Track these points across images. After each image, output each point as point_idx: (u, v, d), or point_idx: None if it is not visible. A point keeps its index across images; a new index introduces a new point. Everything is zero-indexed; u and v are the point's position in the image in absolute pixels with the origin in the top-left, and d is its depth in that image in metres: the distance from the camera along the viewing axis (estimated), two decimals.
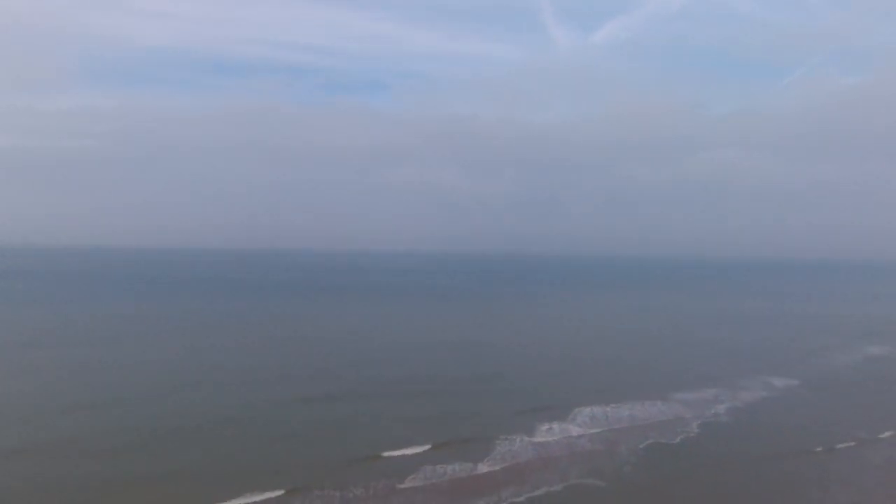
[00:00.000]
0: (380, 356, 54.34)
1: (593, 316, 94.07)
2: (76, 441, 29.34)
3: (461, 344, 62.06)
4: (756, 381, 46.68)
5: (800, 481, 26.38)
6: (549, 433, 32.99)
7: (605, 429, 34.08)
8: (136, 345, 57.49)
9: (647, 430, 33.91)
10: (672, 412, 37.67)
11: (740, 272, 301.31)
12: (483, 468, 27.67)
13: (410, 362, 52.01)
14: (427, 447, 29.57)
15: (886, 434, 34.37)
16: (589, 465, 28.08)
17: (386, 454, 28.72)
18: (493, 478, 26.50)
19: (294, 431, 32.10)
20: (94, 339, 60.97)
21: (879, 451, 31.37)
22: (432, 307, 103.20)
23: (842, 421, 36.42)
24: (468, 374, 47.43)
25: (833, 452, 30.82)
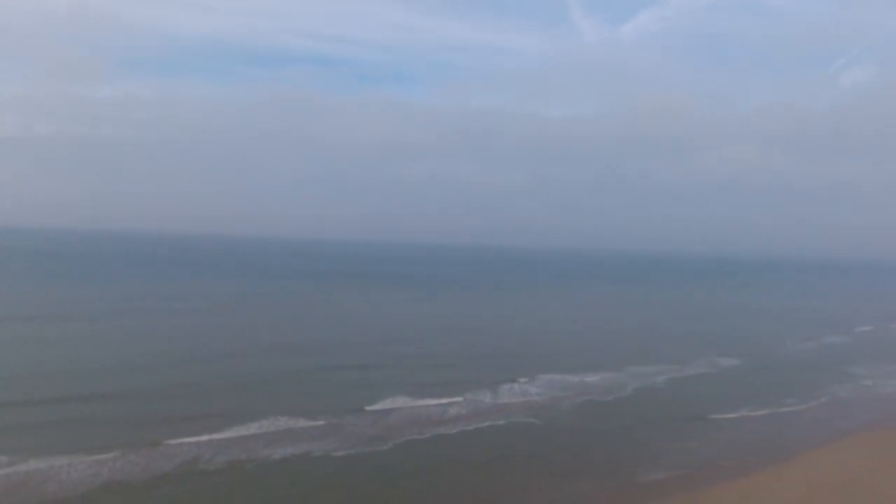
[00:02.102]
0: (391, 336, 62.13)
1: (584, 305, 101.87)
2: (142, 392, 37.98)
3: (463, 328, 70.36)
4: (704, 361, 54.31)
5: (681, 438, 33.69)
6: (509, 392, 41.36)
7: (556, 389, 42.31)
8: (184, 318, 67.31)
9: (590, 392, 42.10)
10: (618, 380, 45.68)
11: (745, 268, 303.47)
12: (451, 412, 36.22)
13: (417, 342, 59.64)
14: (414, 401, 37.93)
15: (790, 401, 41.96)
16: (531, 411, 36.55)
17: (378, 405, 36.94)
18: (456, 417, 35.09)
19: (317, 389, 40.09)
20: (145, 311, 70.98)
21: (775, 419, 38.62)
22: (444, 295, 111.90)
23: (757, 394, 43.81)
24: (462, 352, 55.24)
25: (732, 419, 37.82)
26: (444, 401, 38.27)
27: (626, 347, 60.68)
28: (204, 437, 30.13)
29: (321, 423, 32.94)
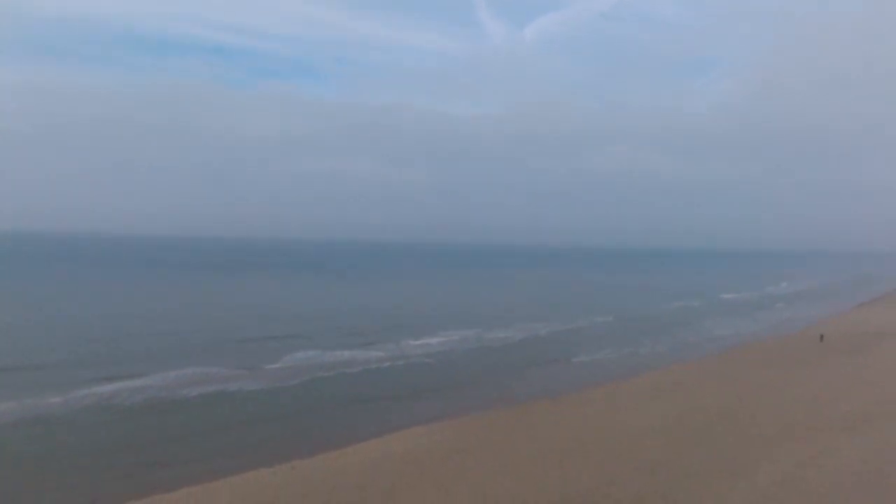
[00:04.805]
0: (301, 315, 62.69)
1: (488, 285, 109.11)
2: (60, 362, 39.00)
3: (370, 307, 74.35)
4: (583, 319, 61.80)
5: (552, 369, 39.68)
6: (412, 344, 45.75)
7: (455, 342, 47.29)
8: (98, 307, 65.93)
9: (483, 342, 47.58)
10: (509, 333, 51.53)
11: (632, 257, 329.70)
12: (357, 359, 40.07)
13: (327, 318, 60.80)
14: (324, 353, 41.15)
15: (646, 343, 49.62)
16: (430, 356, 41.41)
17: (290, 357, 39.84)
18: (362, 362, 39.11)
19: (232, 352, 42.07)
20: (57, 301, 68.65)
21: (632, 356, 45.88)
22: (344, 282, 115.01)
23: (622, 340, 51.21)
24: (370, 323, 57.69)
25: (598, 357, 44.30)
26: (353, 352, 42.14)
27: (519, 312, 67.17)
28: (121, 384, 32.03)
29: (236, 370, 35.73)
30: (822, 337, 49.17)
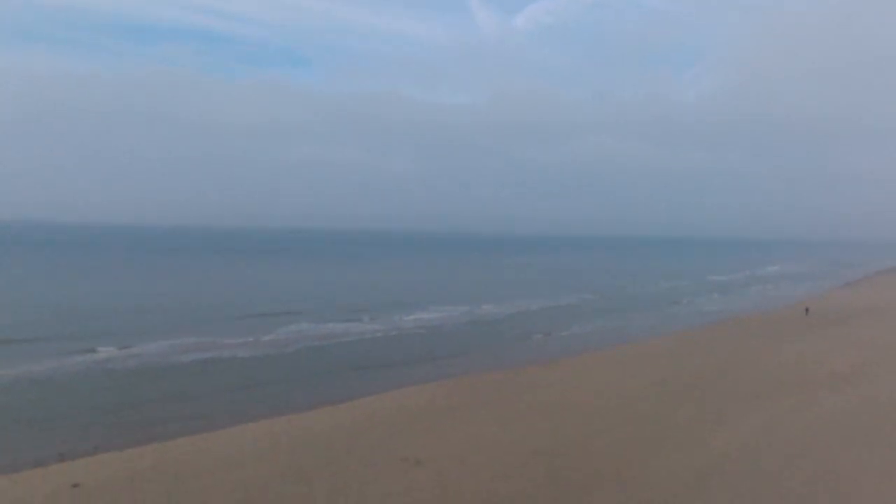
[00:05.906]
0: (294, 295, 63.43)
1: (482, 270, 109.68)
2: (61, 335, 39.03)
3: (360, 286, 74.62)
4: (573, 297, 62.53)
5: (546, 338, 40.62)
6: (406, 317, 46.26)
7: (448, 316, 47.86)
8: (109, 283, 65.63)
9: (474, 316, 48.12)
10: (500, 309, 52.11)
11: (618, 246, 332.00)
12: (352, 330, 40.53)
13: (319, 297, 61.33)
14: (320, 325, 41.64)
15: (636, 317, 50.36)
16: (423, 328, 41.90)
17: (286, 329, 40.27)
18: (357, 333, 39.53)
19: (230, 324, 42.22)
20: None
21: (623, 327, 46.61)
22: (336, 266, 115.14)
23: (612, 314, 51.97)
24: (362, 299, 59.01)
25: (588, 329, 45.23)
26: (347, 324, 42.54)
27: (508, 292, 67.71)
28: (115, 352, 32.20)
29: (233, 340, 35.93)
30: (807, 310, 50.13)
